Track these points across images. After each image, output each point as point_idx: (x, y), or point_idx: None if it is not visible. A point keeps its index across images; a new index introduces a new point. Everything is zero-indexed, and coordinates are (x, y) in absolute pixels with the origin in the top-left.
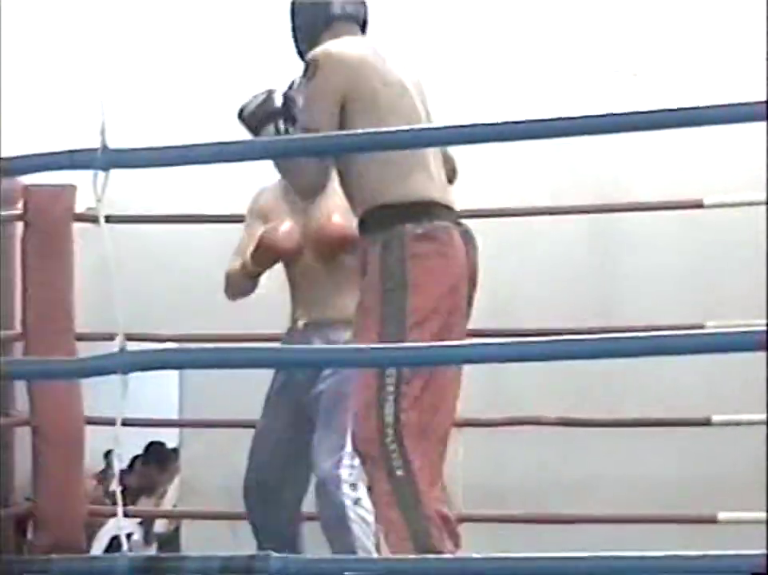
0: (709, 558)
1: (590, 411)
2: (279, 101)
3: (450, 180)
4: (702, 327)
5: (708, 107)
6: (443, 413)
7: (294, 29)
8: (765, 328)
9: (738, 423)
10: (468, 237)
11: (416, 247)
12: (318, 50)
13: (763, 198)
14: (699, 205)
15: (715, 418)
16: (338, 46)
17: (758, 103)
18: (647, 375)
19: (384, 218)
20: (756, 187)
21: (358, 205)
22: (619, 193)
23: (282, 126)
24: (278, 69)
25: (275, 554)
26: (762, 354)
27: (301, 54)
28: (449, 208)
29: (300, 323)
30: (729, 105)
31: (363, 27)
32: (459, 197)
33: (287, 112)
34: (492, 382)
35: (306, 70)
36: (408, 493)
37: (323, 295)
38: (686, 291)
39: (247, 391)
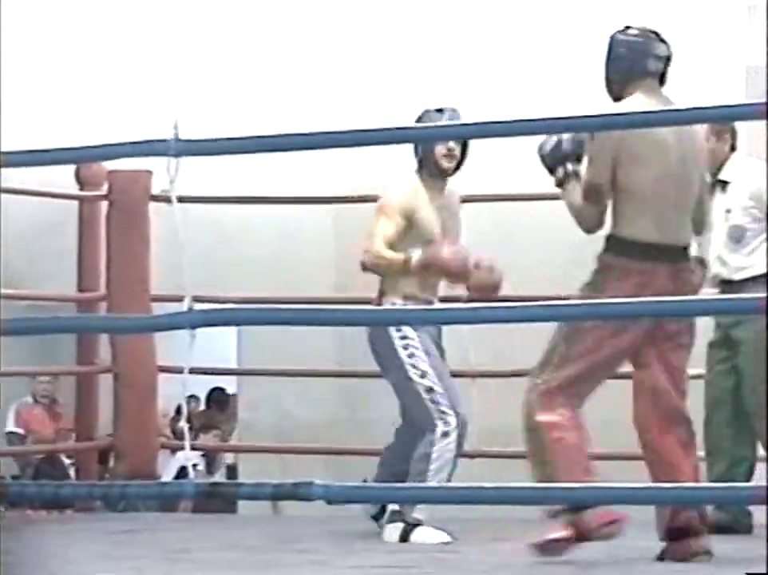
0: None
1: None
2: (569, 145)
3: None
4: None
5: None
6: None
7: (608, 69)
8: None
9: None
10: (677, 277)
11: (614, 280)
12: None
13: None
14: None
15: None
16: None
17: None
18: None
19: (607, 244)
20: None
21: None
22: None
23: (570, 168)
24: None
25: (318, 482)
26: None
27: (610, 89)
28: (664, 249)
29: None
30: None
31: (662, 79)
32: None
33: (578, 154)
34: (503, 340)
35: None
36: None
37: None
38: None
39: (294, 344)
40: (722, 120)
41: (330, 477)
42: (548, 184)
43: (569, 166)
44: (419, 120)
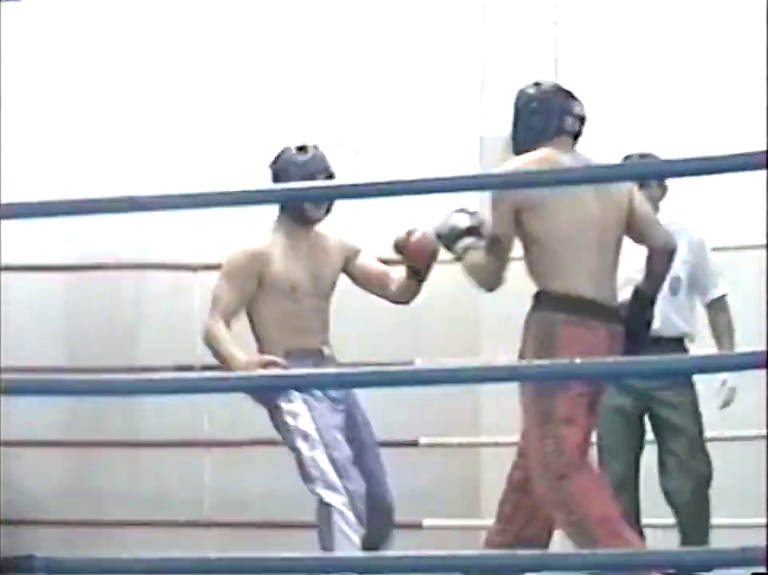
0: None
1: None
2: (464, 222)
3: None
4: (412, 362)
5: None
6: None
7: (517, 125)
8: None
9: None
10: (613, 335)
11: (566, 330)
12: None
13: None
14: None
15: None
16: (519, 162)
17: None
18: None
19: (543, 303)
20: None
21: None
22: None
23: (468, 242)
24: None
25: (39, 555)
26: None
27: (516, 144)
28: (597, 305)
29: (326, 351)
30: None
31: (576, 139)
32: None
33: (476, 228)
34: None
35: None
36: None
37: (325, 326)
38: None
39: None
40: (720, 171)
41: (63, 550)
42: None
43: (466, 241)
44: (278, 157)
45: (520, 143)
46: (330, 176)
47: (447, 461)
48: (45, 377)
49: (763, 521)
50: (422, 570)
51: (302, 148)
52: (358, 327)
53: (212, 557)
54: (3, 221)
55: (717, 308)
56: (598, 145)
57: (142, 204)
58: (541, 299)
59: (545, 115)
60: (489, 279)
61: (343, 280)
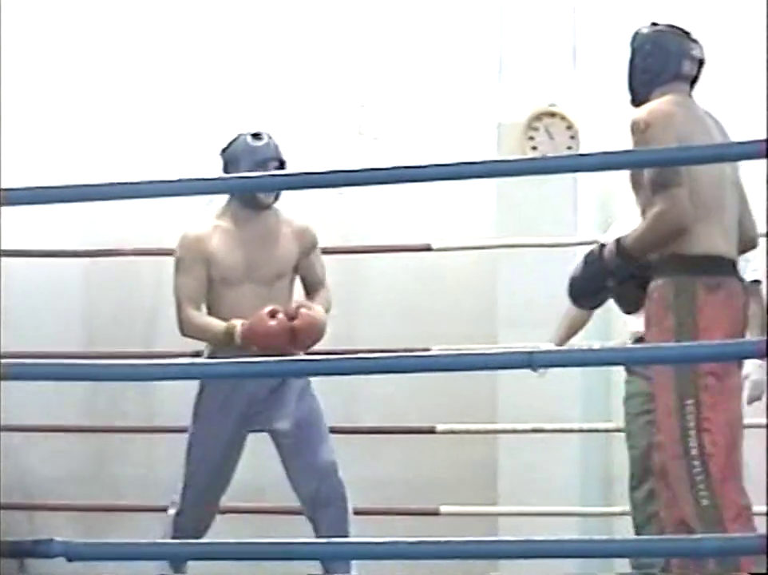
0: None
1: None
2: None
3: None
4: (428, 349)
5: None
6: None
7: (633, 68)
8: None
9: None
10: (746, 290)
11: (707, 297)
12: (646, 112)
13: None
14: (428, 248)
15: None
16: (665, 108)
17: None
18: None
19: (677, 266)
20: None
21: None
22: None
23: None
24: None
25: (57, 539)
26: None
27: (632, 89)
28: (732, 263)
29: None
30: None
31: (693, 85)
32: None
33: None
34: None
35: (633, 127)
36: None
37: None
38: (412, 322)
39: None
40: (721, 160)
41: (80, 534)
42: None
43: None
44: (231, 143)
45: (636, 87)
46: (282, 165)
47: (464, 447)
48: (64, 362)
49: (764, 509)
50: (440, 557)
51: (256, 135)
52: (374, 314)
53: (228, 543)
54: (20, 206)
55: None
56: (615, 131)
57: (157, 189)
58: (675, 263)
59: (662, 57)
60: (680, 213)
61: (353, 267)
